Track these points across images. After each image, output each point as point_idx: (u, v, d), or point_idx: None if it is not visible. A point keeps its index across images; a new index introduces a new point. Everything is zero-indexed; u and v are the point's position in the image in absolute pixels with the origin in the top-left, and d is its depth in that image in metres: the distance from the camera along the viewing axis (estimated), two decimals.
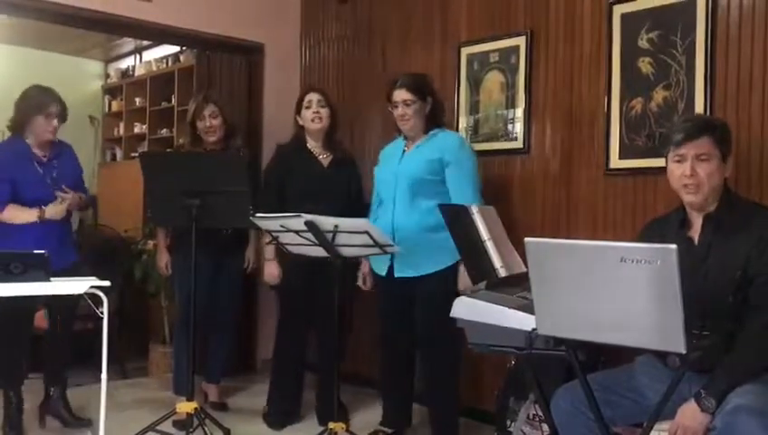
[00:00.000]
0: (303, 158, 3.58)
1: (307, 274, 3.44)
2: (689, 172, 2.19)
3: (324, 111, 3.56)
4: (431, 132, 3.22)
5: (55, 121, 3.36)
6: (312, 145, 3.60)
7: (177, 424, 3.36)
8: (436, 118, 3.25)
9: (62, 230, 3.46)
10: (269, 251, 3.60)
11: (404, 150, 3.27)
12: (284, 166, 3.59)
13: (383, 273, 3.25)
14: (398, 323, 3.28)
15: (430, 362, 3.24)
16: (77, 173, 3.59)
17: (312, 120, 3.54)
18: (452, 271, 3.09)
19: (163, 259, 3.85)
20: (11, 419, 3.39)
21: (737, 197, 2.34)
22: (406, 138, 3.29)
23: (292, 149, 3.64)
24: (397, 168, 3.23)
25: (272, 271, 3.62)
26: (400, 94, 3.18)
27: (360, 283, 3.49)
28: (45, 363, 3.61)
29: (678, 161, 2.23)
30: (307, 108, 3.56)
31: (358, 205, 3.54)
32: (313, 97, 3.57)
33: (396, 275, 3.19)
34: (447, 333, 2.96)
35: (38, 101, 3.35)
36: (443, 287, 3.03)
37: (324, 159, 3.60)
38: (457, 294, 2.98)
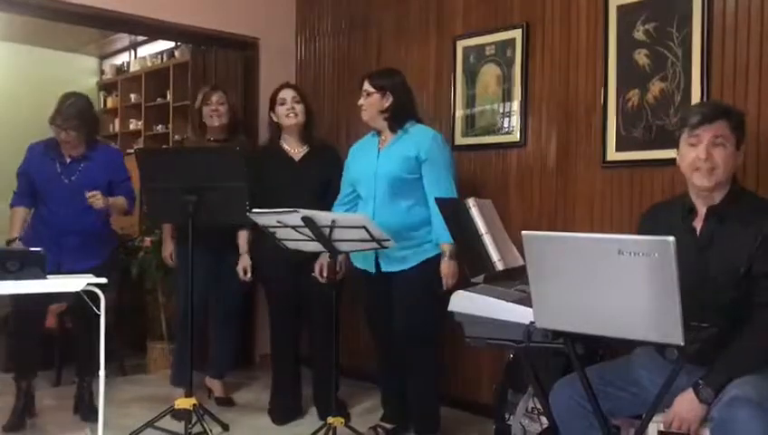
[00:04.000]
0: (275, 155, 3.63)
1: (292, 268, 3.46)
2: (704, 155, 2.12)
3: (299, 107, 3.58)
4: (404, 128, 3.21)
5: (62, 134, 3.40)
6: (287, 140, 3.63)
7: (176, 415, 3.34)
8: (400, 113, 3.21)
9: (86, 232, 3.50)
10: (242, 244, 3.68)
11: (379, 148, 3.27)
12: (258, 164, 3.59)
13: (371, 269, 3.26)
14: (384, 317, 3.28)
15: (408, 352, 3.23)
16: (107, 177, 3.55)
17: (287, 116, 3.57)
18: (435, 262, 3.12)
19: (168, 249, 3.86)
20: (20, 409, 3.47)
21: (744, 190, 2.29)
22: (379, 133, 3.29)
23: (266, 147, 3.75)
24: (375, 165, 3.23)
25: (243, 264, 3.73)
26: (365, 84, 3.26)
27: (316, 274, 3.42)
28: (78, 356, 3.73)
29: (693, 145, 2.16)
30: (281, 104, 3.58)
31: (330, 196, 3.48)
32: (287, 94, 3.59)
33: (383, 270, 3.20)
34: (426, 322, 3.08)
35: (55, 110, 3.41)
36: (424, 278, 3.10)
37: (297, 153, 3.62)
38: (439, 285, 3.05)
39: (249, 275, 3.75)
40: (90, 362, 3.62)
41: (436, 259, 3.12)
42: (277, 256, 3.26)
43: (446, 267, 3.08)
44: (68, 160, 3.49)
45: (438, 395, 3.32)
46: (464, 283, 2.50)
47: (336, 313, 3.30)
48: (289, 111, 3.56)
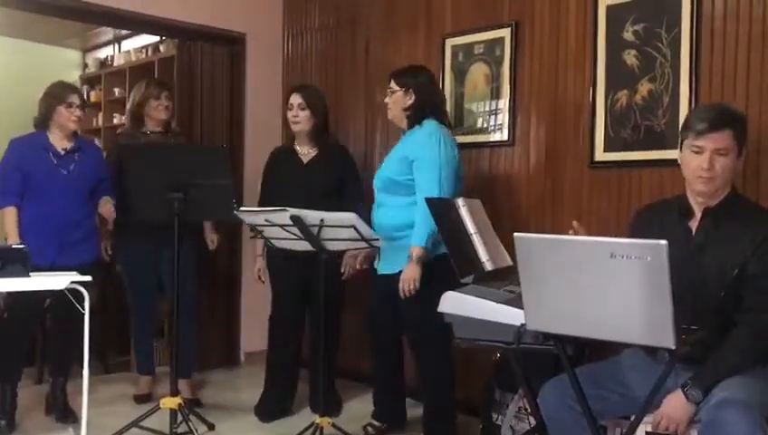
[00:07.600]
0: (285, 157, 3.63)
1: (299, 269, 3.42)
2: (707, 166, 2.14)
3: (303, 114, 3.52)
4: (414, 127, 3.16)
5: (77, 111, 3.44)
6: (299, 142, 3.61)
7: (138, 399, 3.50)
8: (420, 112, 3.15)
9: (84, 226, 3.50)
10: (258, 247, 3.64)
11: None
12: (270, 166, 3.69)
13: (375, 267, 3.27)
14: (383, 317, 3.26)
15: (419, 359, 3.21)
16: (98, 172, 3.56)
17: (292, 123, 3.56)
18: (435, 261, 3.00)
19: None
20: (4, 413, 3.39)
21: (741, 196, 2.31)
22: (403, 133, 3.25)
23: (281, 149, 3.74)
24: (381, 166, 3.25)
25: (257, 267, 3.69)
26: (390, 82, 3.23)
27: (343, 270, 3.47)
28: (53, 356, 3.71)
29: (696, 152, 2.17)
30: (289, 109, 3.56)
31: (341, 199, 3.47)
32: (294, 100, 3.55)
33: (379, 272, 3.19)
34: (433, 326, 2.95)
35: (59, 92, 3.47)
36: (423, 281, 2.98)
37: (305, 156, 3.59)
38: (441, 283, 3.01)
39: (263, 278, 3.71)
40: (65, 362, 3.59)
41: (439, 259, 2.93)
42: (282, 255, 3.22)
43: (406, 271, 2.97)
44: (62, 152, 3.45)
45: (453, 398, 3.22)
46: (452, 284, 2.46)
47: (338, 313, 3.27)
48: (293, 119, 3.54)
